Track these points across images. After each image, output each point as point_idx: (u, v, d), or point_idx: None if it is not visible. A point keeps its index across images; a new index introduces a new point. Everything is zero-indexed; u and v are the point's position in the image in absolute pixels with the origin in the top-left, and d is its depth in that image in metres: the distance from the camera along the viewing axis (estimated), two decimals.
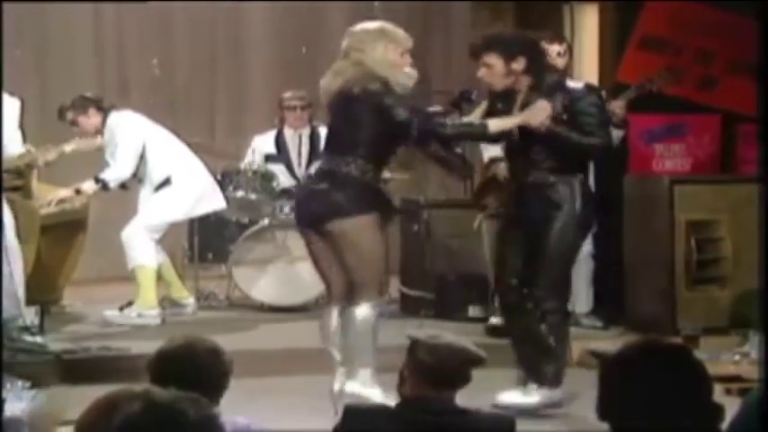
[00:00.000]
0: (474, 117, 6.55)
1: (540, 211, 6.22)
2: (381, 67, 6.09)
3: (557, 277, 6.25)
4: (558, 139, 6.17)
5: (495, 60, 6.23)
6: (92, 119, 8.38)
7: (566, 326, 6.39)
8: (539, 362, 6.24)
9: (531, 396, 6.19)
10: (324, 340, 6.25)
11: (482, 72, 6.31)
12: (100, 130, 8.34)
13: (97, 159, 8.38)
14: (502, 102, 6.37)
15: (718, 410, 2.84)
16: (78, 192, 8.27)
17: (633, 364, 2.87)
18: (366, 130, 6.05)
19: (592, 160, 6.82)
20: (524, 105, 6.23)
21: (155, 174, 8.42)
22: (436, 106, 6.87)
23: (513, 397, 6.19)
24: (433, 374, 3.92)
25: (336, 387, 6.06)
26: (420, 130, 6.05)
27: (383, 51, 6.12)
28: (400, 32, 6.25)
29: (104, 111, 8.41)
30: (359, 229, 6.02)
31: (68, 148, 8.05)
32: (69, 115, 8.43)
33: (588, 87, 6.79)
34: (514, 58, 6.21)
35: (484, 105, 7.60)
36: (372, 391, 5.95)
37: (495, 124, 6.23)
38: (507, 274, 6.40)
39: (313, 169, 6.50)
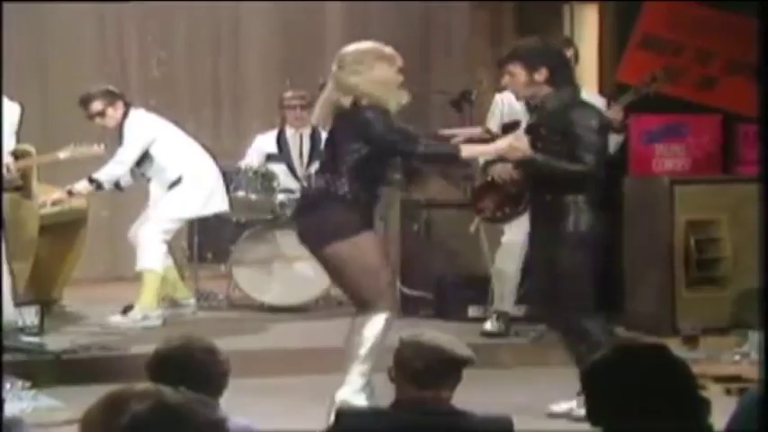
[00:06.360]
0: (494, 123, 6.87)
1: (548, 228, 6.18)
2: (377, 88, 6.08)
3: (577, 295, 6.16)
4: (541, 168, 6.14)
5: (518, 70, 6.22)
6: (119, 111, 8.30)
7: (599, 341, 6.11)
8: None
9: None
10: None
11: (506, 80, 6.34)
12: (120, 125, 8.30)
13: (99, 159, 8.35)
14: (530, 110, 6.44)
15: (703, 404, 2.86)
16: (71, 193, 8.19)
17: (611, 368, 2.89)
18: (349, 146, 6.05)
19: (579, 185, 6.22)
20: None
21: (167, 173, 8.38)
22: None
23: (564, 407, 6.14)
24: (418, 378, 3.87)
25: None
26: (395, 147, 6.10)
27: (379, 72, 6.12)
28: (392, 51, 6.25)
29: (126, 107, 8.36)
30: (348, 251, 6.01)
31: (63, 155, 8.03)
32: (98, 105, 8.26)
33: (589, 106, 6.41)
34: (537, 69, 6.17)
35: (498, 111, 7.75)
36: (360, 399, 5.92)
37: (467, 151, 6.34)
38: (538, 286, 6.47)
39: (309, 184, 6.52)
